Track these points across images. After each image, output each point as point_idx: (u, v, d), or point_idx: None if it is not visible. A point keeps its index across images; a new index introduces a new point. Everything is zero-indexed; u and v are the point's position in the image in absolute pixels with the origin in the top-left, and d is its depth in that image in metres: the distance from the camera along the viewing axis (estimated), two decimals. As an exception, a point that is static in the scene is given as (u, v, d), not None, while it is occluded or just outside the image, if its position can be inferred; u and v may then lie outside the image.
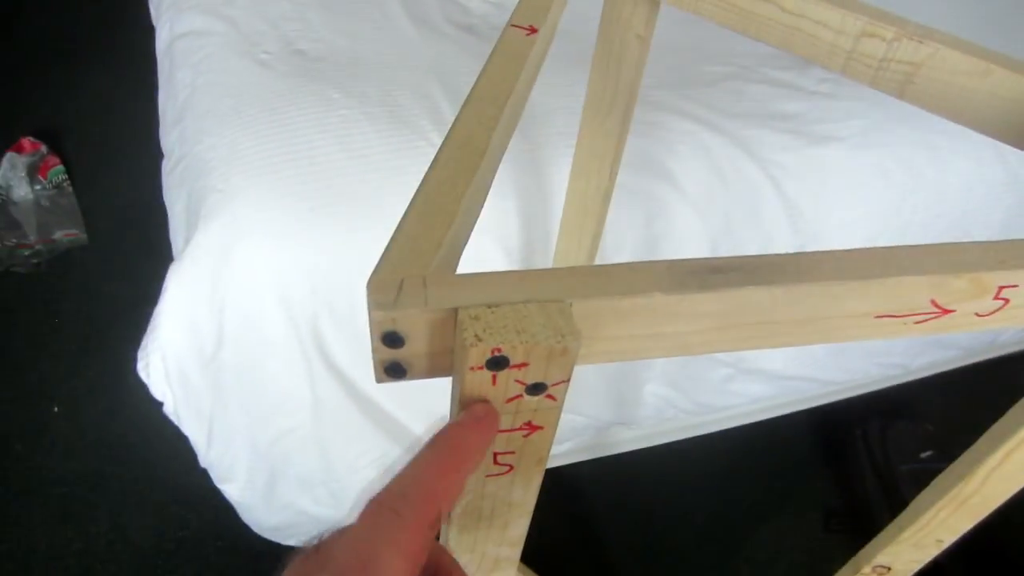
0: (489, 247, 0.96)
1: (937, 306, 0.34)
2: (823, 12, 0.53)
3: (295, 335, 0.91)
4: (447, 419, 0.31)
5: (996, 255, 0.34)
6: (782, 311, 0.32)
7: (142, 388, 0.96)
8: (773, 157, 1.08)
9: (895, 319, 0.34)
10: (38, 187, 1.86)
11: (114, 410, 1.51)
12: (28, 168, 1.87)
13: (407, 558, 0.26)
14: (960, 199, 1.20)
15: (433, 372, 0.31)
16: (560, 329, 0.28)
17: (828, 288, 0.31)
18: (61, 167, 1.91)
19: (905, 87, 0.53)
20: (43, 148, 1.92)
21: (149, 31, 1.39)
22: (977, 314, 0.35)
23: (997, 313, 0.35)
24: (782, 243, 1.11)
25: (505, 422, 0.31)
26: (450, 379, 0.31)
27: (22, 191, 1.84)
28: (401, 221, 0.32)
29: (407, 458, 0.29)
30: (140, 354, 0.91)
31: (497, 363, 0.28)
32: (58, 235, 1.80)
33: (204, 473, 1.07)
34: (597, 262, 0.93)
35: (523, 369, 0.28)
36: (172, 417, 0.98)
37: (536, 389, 0.30)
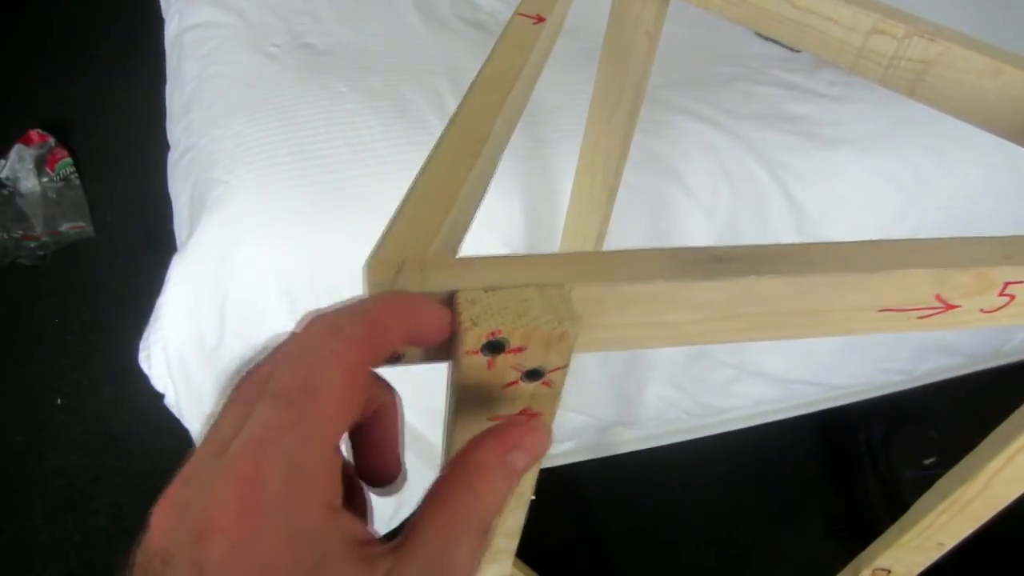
0: (494, 244, 0.96)
1: (941, 301, 0.33)
2: (834, 9, 0.52)
3: (298, 328, 0.91)
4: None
5: (1003, 250, 0.33)
6: (785, 302, 0.31)
7: (145, 380, 0.95)
8: (781, 159, 1.08)
9: (898, 313, 0.33)
10: (45, 179, 1.87)
11: (117, 402, 1.51)
12: (36, 160, 1.88)
13: (347, 371, 0.24)
14: (969, 205, 1.19)
15: (430, 358, 0.30)
16: (560, 314, 0.27)
17: (831, 280, 0.31)
18: (69, 159, 1.92)
19: (915, 86, 0.52)
20: (51, 140, 1.93)
21: (158, 23, 1.40)
22: (982, 310, 0.34)
23: (1003, 310, 0.35)
24: (788, 245, 1.10)
25: (502, 409, 0.30)
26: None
27: (30, 183, 1.85)
28: (401, 204, 0.32)
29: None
30: (142, 345, 0.91)
31: (494, 347, 0.27)
32: (64, 227, 1.80)
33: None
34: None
35: (520, 354, 0.28)
36: (173, 409, 0.98)
37: (533, 375, 0.29)
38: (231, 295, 0.88)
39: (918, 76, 0.51)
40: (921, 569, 0.62)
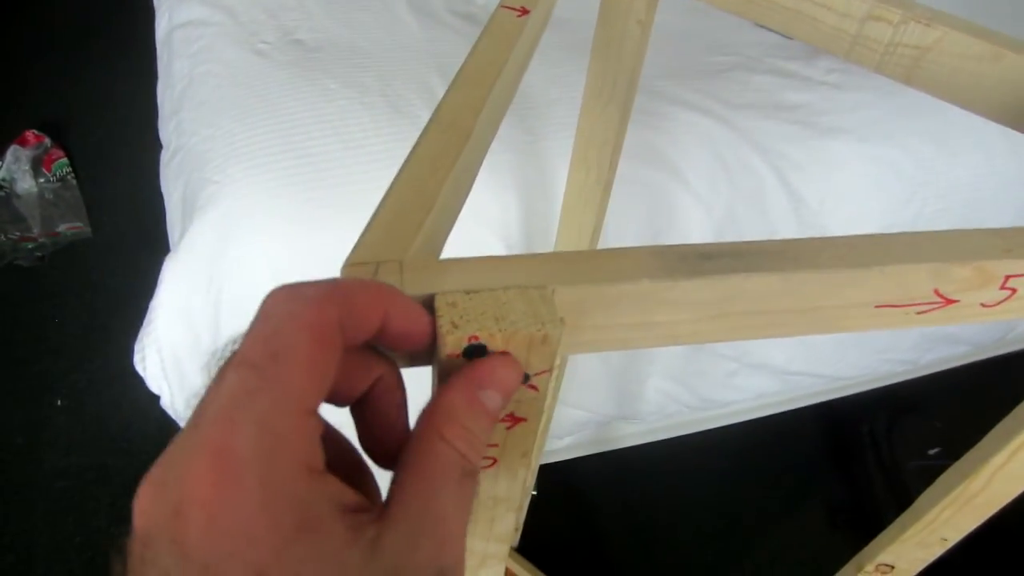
0: (490, 240, 0.95)
1: (940, 296, 0.32)
2: (827, -5, 0.51)
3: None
4: None
5: (1002, 243, 0.32)
6: (777, 300, 0.30)
7: (144, 381, 0.95)
8: (778, 148, 1.07)
9: (896, 309, 0.32)
10: (42, 180, 1.86)
11: (116, 403, 1.51)
12: (32, 161, 1.87)
13: (311, 332, 0.23)
14: (970, 193, 1.18)
15: (413, 362, 0.29)
16: (541, 316, 0.26)
17: (825, 276, 0.30)
18: (65, 160, 1.91)
19: (912, 72, 0.51)
20: (47, 141, 1.92)
21: (152, 21, 1.38)
22: (983, 304, 0.33)
23: (1004, 304, 0.34)
24: (787, 235, 1.09)
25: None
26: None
27: (26, 184, 1.84)
28: (379, 205, 0.31)
29: None
30: (136, 347, 0.91)
31: (474, 351, 0.26)
32: (62, 228, 1.80)
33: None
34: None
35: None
36: (169, 411, 0.97)
37: None
38: (224, 295, 0.87)
39: (915, 63, 0.50)
40: (924, 565, 0.61)
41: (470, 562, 0.39)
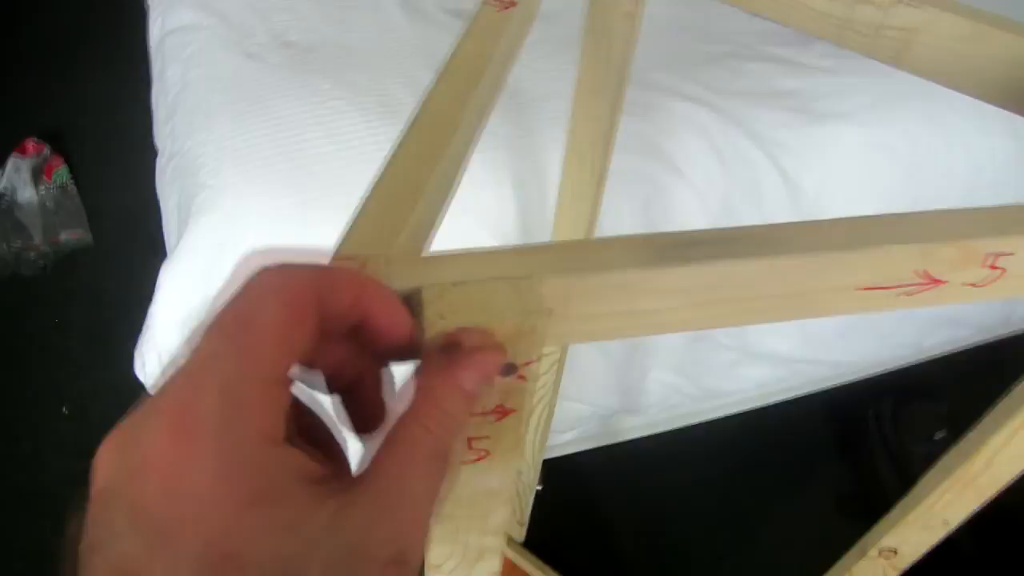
0: (485, 237, 0.95)
1: (926, 276, 0.32)
2: (815, -20, 0.51)
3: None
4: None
5: (988, 221, 0.32)
6: (762, 285, 0.30)
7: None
8: (773, 135, 1.07)
9: (881, 291, 0.32)
10: (43, 189, 1.86)
11: (122, 409, 1.48)
12: (32, 170, 1.87)
13: (284, 303, 0.23)
14: (969, 174, 1.17)
15: (402, 355, 0.30)
16: (527, 306, 0.27)
17: (808, 260, 0.30)
18: (65, 168, 1.92)
19: (902, 54, 0.51)
20: (46, 150, 1.93)
21: (146, 26, 1.38)
22: (970, 284, 0.33)
23: (992, 284, 0.34)
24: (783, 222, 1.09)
25: (475, 406, 0.30)
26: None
27: (27, 194, 1.85)
28: (363, 200, 0.31)
29: None
30: (136, 354, 0.91)
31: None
32: (64, 236, 1.80)
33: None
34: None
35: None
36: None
37: (505, 370, 0.28)
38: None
39: (904, 45, 0.50)
40: (928, 548, 0.61)
41: (467, 556, 0.40)
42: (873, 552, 0.63)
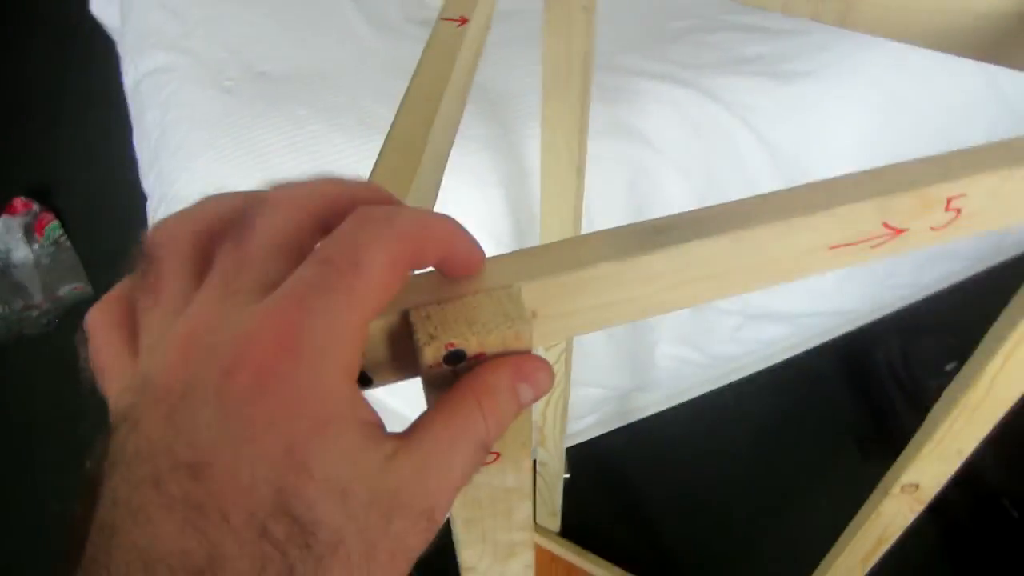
0: (480, 240, 0.96)
1: (889, 227, 0.34)
2: (753, -50, 0.52)
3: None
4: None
5: (939, 168, 0.34)
6: (732, 259, 0.32)
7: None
8: (745, 101, 1.08)
9: (851, 247, 0.34)
10: (36, 247, 1.88)
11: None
12: (24, 228, 1.88)
13: (391, 259, 0.25)
14: (942, 114, 1.18)
15: (401, 375, 0.31)
16: (510, 314, 0.28)
17: (774, 228, 0.31)
18: (56, 223, 1.93)
19: (846, 16, 0.52)
20: (35, 207, 1.94)
21: (120, 71, 1.39)
22: (932, 228, 0.35)
23: (952, 224, 0.35)
24: (768, 186, 1.10)
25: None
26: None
27: (21, 253, 1.86)
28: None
29: None
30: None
31: (454, 358, 0.28)
32: (63, 291, 1.81)
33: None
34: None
35: (482, 359, 0.29)
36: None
37: None
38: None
39: (848, 6, 0.51)
40: (947, 479, 0.62)
41: (498, 554, 0.41)
42: (896, 489, 0.63)
